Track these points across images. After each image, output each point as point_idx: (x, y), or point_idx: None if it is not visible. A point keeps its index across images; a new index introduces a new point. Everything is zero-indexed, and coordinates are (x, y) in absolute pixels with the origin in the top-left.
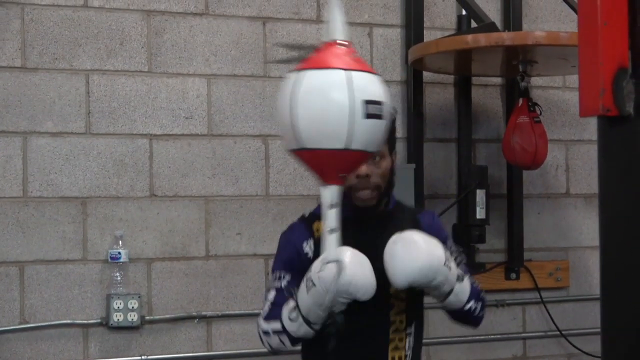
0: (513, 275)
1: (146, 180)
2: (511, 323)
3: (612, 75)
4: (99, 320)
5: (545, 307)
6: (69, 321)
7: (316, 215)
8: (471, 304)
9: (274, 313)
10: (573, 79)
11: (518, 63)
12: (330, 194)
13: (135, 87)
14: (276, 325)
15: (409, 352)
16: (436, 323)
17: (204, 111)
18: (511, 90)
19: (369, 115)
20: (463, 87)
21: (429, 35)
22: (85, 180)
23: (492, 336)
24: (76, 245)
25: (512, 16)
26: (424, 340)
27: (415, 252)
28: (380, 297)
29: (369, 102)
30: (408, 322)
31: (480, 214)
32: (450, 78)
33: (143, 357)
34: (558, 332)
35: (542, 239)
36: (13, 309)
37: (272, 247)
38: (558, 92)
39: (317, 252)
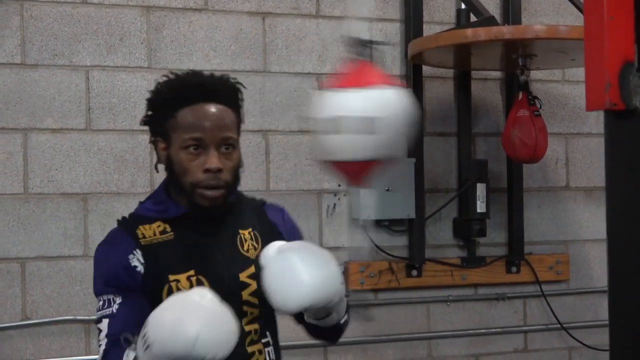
0: (514, 269)
1: (147, 176)
2: (512, 316)
3: (618, 70)
4: None
5: (545, 300)
6: (70, 317)
7: (138, 217)
8: (346, 317)
9: (113, 356)
10: (573, 73)
11: (517, 57)
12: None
13: (135, 82)
14: None
15: None
16: (437, 317)
17: None
18: (511, 84)
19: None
20: (463, 81)
21: (428, 30)
22: (86, 177)
23: (493, 330)
24: (77, 241)
25: (512, 10)
26: (425, 334)
27: (314, 270)
28: (235, 305)
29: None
30: (262, 330)
31: (480, 207)
32: (450, 72)
33: None
34: (559, 325)
35: (543, 233)
36: (15, 306)
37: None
38: (558, 85)
39: (148, 263)
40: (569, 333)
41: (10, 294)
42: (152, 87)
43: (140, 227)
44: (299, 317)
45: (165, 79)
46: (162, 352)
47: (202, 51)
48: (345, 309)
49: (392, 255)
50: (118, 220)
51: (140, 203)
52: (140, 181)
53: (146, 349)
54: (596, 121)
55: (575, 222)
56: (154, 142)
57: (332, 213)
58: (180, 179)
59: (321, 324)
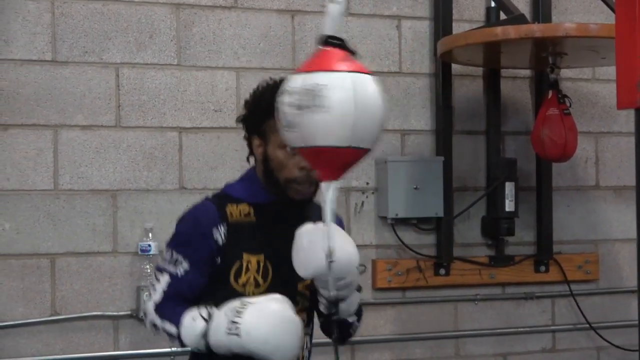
0: (542, 268)
1: (176, 173)
2: (540, 316)
3: None
4: (129, 312)
5: (574, 299)
6: (99, 313)
7: (227, 196)
8: (354, 319)
9: (168, 312)
10: (603, 71)
11: (547, 55)
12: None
13: (164, 80)
14: (171, 329)
15: (306, 353)
16: (464, 316)
17: (232, 104)
18: (540, 83)
19: None
20: (492, 80)
21: (457, 28)
22: (116, 173)
23: (521, 329)
24: (106, 237)
25: (542, 8)
26: (452, 333)
27: (337, 245)
28: (289, 293)
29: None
30: (308, 321)
31: (509, 206)
32: (479, 70)
33: (173, 348)
34: (587, 325)
35: (572, 232)
36: (44, 301)
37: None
38: (587, 84)
39: (229, 239)
40: (597, 333)
41: (40, 289)
42: (181, 84)
43: (229, 205)
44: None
45: (264, 84)
46: (248, 348)
47: (232, 49)
48: (358, 312)
49: (420, 254)
50: (211, 195)
51: (228, 184)
52: (169, 178)
53: (233, 335)
54: (626, 120)
55: (604, 222)
56: (248, 139)
57: (359, 211)
58: (276, 173)
59: (335, 315)
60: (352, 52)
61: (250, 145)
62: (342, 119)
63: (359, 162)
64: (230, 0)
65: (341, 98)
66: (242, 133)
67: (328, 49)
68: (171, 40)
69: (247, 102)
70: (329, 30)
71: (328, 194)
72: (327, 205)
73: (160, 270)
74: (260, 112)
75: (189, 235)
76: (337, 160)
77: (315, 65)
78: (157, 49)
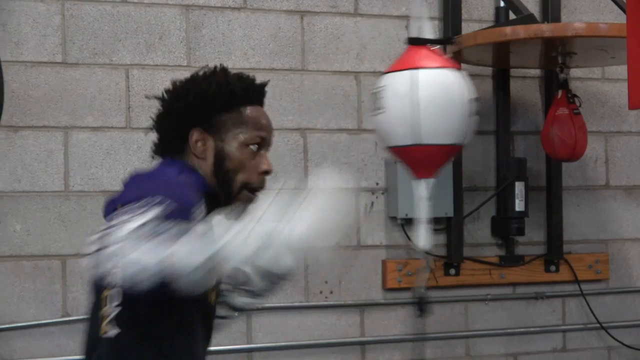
0: (552, 268)
1: None
2: (550, 316)
3: None
4: None
5: (585, 299)
6: None
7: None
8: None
9: (163, 231)
10: (612, 71)
11: (557, 55)
12: (426, 187)
13: None
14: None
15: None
16: (475, 316)
17: None
18: (550, 82)
19: (474, 112)
20: (501, 79)
21: (467, 28)
22: (126, 174)
23: (531, 329)
24: None
25: (551, 7)
26: (462, 332)
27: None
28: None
29: (474, 100)
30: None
31: (519, 206)
32: (489, 70)
33: None
34: (598, 325)
35: (582, 232)
36: (55, 302)
37: None
38: (597, 83)
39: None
40: (608, 333)
41: (51, 290)
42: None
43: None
44: None
45: (202, 72)
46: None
47: (241, 50)
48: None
49: (430, 254)
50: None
51: (179, 174)
52: None
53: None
54: (636, 119)
55: (614, 221)
56: (178, 132)
57: (369, 211)
58: (232, 174)
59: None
60: (442, 44)
61: (189, 138)
62: (399, 118)
63: (448, 159)
64: (240, 1)
65: (395, 97)
66: None
67: (410, 48)
68: (181, 42)
69: (181, 89)
70: (411, 32)
71: (420, 191)
72: (421, 203)
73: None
74: (210, 102)
75: (188, 194)
76: (414, 158)
77: (389, 67)
78: (166, 50)
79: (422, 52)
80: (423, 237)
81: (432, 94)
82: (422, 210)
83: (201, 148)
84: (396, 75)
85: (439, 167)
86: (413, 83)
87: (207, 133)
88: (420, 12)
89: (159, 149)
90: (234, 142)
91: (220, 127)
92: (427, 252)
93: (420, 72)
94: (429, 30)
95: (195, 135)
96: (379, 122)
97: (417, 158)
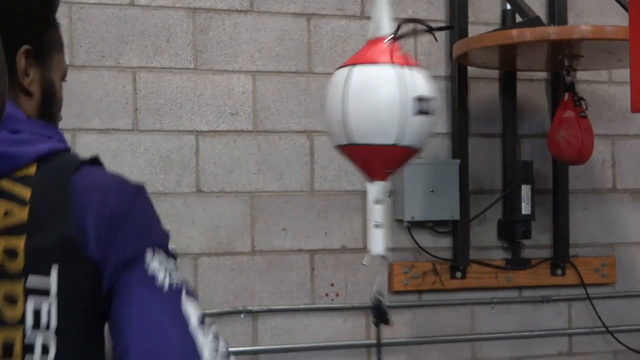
0: (559, 271)
1: (192, 176)
2: (557, 319)
3: None
4: None
5: (591, 303)
6: None
7: None
8: None
9: None
10: (619, 74)
11: (563, 57)
12: (377, 189)
13: (181, 84)
14: None
15: None
16: (481, 319)
17: (249, 107)
18: (556, 85)
19: (419, 112)
20: (508, 82)
21: (473, 30)
22: (132, 177)
23: (537, 332)
24: None
25: (557, 10)
26: (468, 336)
27: None
28: None
29: (419, 99)
30: None
31: (525, 209)
32: (495, 73)
33: None
34: (604, 329)
35: (588, 235)
36: None
37: (317, 243)
38: (604, 86)
39: None
40: (614, 336)
41: None
42: (198, 88)
43: None
44: None
45: None
46: None
47: (248, 52)
48: None
49: (436, 257)
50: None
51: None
52: (185, 181)
53: None
54: None
55: (621, 225)
56: (12, 50)
57: None
58: (57, 115)
59: None
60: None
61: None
62: (334, 116)
63: (393, 161)
64: (246, 5)
65: (331, 95)
66: (258, 136)
67: (367, 44)
68: (188, 44)
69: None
70: (370, 28)
71: (370, 194)
72: (372, 206)
73: (191, 295)
74: (30, 14)
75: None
76: (354, 159)
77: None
78: (173, 53)
79: (374, 48)
80: (376, 243)
81: (359, 91)
82: (375, 214)
83: (28, 80)
84: (337, 72)
85: (388, 169)
86: (347, 79)
87: (35, 60)
88: (381, 7)
89: None
90: (58, 74)
91: (46, 51)
92: (382, 257)
93: (355, 68)
94: (387, 26)
95: (24, 58)
96: (323, 121)
97: (357, 158)
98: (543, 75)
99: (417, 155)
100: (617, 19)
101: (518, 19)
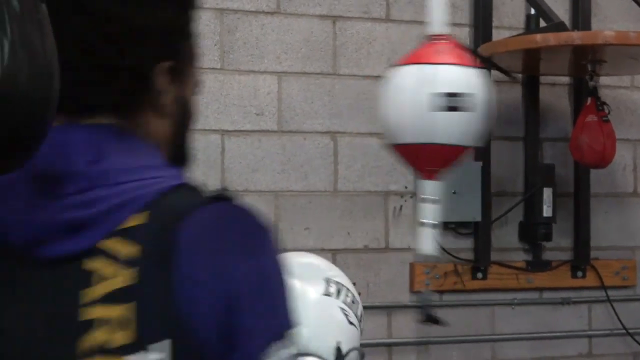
0: (579, 274)
1: (218, 175)
2: (577, 321)
3: None
4: None
5: (611, 305)
6: None
7: None
8: None
9: None
10: None
11: (587, 62)
12: (429, 188)
13: (208, 84)
14: None
15: None
16: (501, 320)
17: (274, 108)
18: (579, 90)
19: (449, 108)
20: (531, 86)
21: (497, 35)
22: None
23: (557, 334)
24: None
25: (581, 15)
26: (489, 336)
27: None
28: None
29: (447, 95)
30: None
31: (546, 212)
32: (519, 77)
33: None
34: (624, 331)
35: (609, 238)
36: None
37: (339, 242)
38: (626, 91)
39: None
40: (634, 339)
41: None
42: (224, 88)
43: None
44: None
45: None
46: None
47: (274, 53)
48: None
49: (458, 258)
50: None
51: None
52: (211, 180)
53: None
54: None
55: None
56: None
57: (398, 214)
58: (188, 137)
59: None
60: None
61: (136, 82)
62: (383, 116)
63: (435, 159)
64: (273, 6)
65: (383, 93)
66: (283, 136)
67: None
68: (215, 45)
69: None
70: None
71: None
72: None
73: None
74: (166, 28)
75: None
76: (402, 159)
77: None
78: (200, 53)
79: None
80: (422, 241)
81: (389, 92)
82: (423, 212)
83: (164, 99)
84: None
85: (431, 167)
86: (391, 79)
87: (170, 73)
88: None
89: (89, 100)
90: (191, 88)
91: (182, 63)
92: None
93: (401, 68)
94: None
95: (163, 76)
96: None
97: (401, 158)
98: (566, 79)
99: (465, 154)
100: None
101: (542, 23)
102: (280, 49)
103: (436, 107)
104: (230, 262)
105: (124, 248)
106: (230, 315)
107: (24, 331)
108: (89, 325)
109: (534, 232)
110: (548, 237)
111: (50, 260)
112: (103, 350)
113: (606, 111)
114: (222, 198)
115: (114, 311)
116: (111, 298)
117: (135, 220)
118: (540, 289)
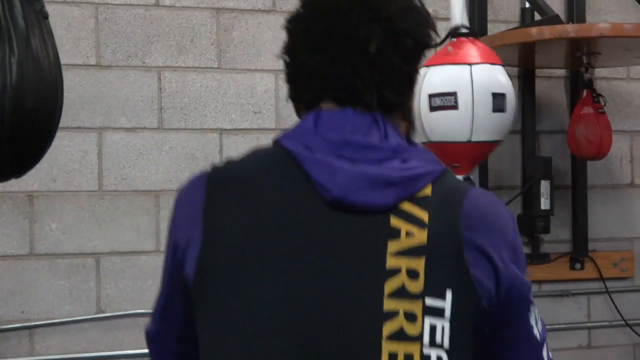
0: (578, 266)
1: None
2: (576, 313)
3: None
4: None
5: (610, 297)
6: (143, 311)
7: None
8: None
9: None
10: (637, 70)
11: (582, 55)
12: None
13: (205, 83)
14: None
15: None
16: None
17: (271, 106)
18: (575, 82)
19: (434, 108)
20: (527, 79)
21: (492, 28)
22: (158, 174)
23: (557, 326)
24: (150, 237)
25: (576, 8)
26: None
27: None
28: None
29: (434, 95)
30: None
31: (544, 204)
32: (514, 70)
33: None
34: (623, 322)
35: (607, 230)
36: (90, 299)
37: None
38: (622, 83)
39: None
40: (633, 330)
41: (86, 288)
42: (222, 87)
43: None
44: None
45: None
46: None
47: (270, 51)
48: None
49: None
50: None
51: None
52: None
53: None
54: None
55: None
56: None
57: None
58: None
59: None
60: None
61: (406, 93)
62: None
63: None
64: (269, 4)
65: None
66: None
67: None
68: (211, 44)
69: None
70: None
71: None
72: None
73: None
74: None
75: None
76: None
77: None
78: (197, 53)
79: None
80: None
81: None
82: None
83: (410, 104)
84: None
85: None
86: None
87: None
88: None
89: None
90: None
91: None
92: None
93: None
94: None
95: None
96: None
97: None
98: (562, 72)
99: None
100: (636, 17)
101: (537, 17)
102: (276, 46)
103: (429, 107)
104: (504, 226)
105: (419, 212)
106: (514, 262)
107: (335, 268)
108: (393, 271)
109: (532, 224)
110: (546, 230)
111: (360, 210)
112: (402, 293)
113: (602, 103)
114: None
115: (411, 262)
116: (410, 251)
117: (426, 191)
118: (539, 282)
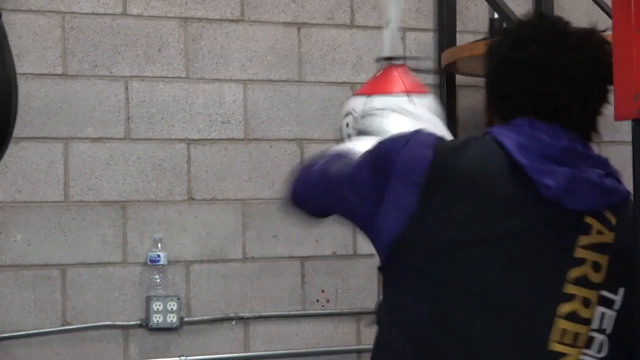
0: None
1: (184, 184)
2: None
3: None
4: (138, 322)
5: None
6: (109, 323)
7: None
8: None
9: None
10: None
11: None
12: None
13: (173, 92)
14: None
15: None
16: None
17: (240, 116)
18: None
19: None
20: None
21: (461, 39)
22: (125, 185)
23: None
24: (116, 248)
25: None
26: None
27: None
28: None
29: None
30: None
31: None
32: (483, 81)
33: (182, 357)
34: None
35: None
36: (55, 311)
37: (307, 249)
38: None
39: None
40: None
41: (51, 299)
42: (190, 96)
43: None
44: None
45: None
46: None
47: (239, 61)
48: None
49: None
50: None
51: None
52: (177, 189)
53: None
54: (629, 129)
55: None
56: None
57: None
58: None
59: None
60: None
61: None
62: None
63: None
64: (237, 14)
65: (397, 121)
66: (249, 144)
67: (388, 69)
68: (179, 54)
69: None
70: (387, 51)
71: None
72: None
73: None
74: None
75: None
76: None
77: (373, 88)
78: (165, 62)
79: (402, 74)
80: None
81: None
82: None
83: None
84: (392, 99)
85: None
86: (412, 108)
87: None
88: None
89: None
90: None
91: None
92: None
93: (416, 96)
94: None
95: None
96: None
97: None
98: None
99: None
100: (603, 26)
101: None
102: (245, 56)
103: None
104: None
105: (609, 215)
106: None
107: (531, 252)
108: (579, 261)
109: None
110: None
111: (572, 210)
112: (584, 282)
113: None
114: None
115: (597, 257)
116: (597, 247)
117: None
118: None
